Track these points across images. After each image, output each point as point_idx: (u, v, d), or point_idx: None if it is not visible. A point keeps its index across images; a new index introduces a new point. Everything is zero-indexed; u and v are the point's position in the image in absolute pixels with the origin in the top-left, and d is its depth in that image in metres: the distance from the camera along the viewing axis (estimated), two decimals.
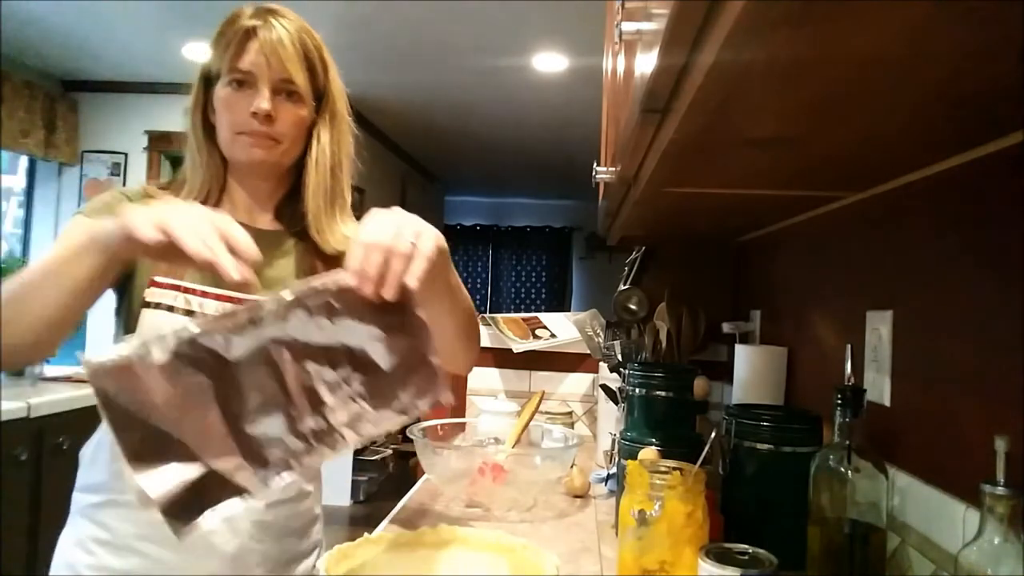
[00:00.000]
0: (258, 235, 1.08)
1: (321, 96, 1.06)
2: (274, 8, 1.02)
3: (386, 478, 4.87)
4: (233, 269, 0.73)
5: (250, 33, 0.99)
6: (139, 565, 0.99)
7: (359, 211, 1.11)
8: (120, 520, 1.00)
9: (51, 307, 0.82)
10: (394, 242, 0.76)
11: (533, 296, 9.02)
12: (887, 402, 0.99)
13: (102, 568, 1.00)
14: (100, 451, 1.03)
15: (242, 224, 1.07)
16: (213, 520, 0.97)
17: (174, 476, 0.68)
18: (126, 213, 0.77)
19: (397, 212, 0.81)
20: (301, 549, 1.10)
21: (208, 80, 1.04)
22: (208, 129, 1.06)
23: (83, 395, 2.56)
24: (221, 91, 1.01)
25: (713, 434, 1.00)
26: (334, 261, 1.10)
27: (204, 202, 1.04)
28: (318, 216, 1.07)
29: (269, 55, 0.98)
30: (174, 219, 0.74)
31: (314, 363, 0.73)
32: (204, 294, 0.99)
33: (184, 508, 0.69)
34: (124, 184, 4.37)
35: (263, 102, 0.98)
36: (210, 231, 0.74)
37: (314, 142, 1.07)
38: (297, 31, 1.01)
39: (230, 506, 0.72)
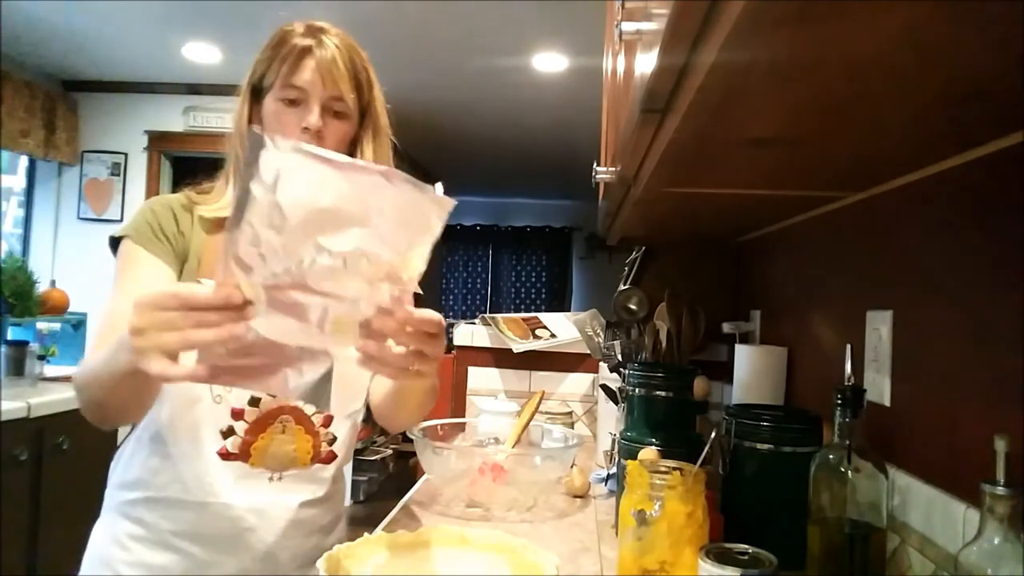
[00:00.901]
0: None
1: (365, 111, 1.09)
2: (323, 26, 1.05)
3: (386, 478, 4.87)
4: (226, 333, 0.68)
5: (305, 52, 1.02)
6: (175, 561, 1.02)
7: None
8: (157, 516, 1.02)
9: (111, 406, 0.90)
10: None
11: (533, 296, 9.01)
12: (887, 402, 0.99)
13: (138, 564, 1.02)
14: (138, 448, 1.05)
15: None
16: (249, 518, 1.01)
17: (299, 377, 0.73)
18: (123, 351, 0.75)
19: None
20: (327, 545, 1.11)
21: (255, 92, 1.07)
22: None
23: None
24: (272, 106, 1.04)
25: (713, 434, 1.00)
26: None
27: None
28: None
29: (324, 74, 1.02)
30: (162, 336, 0.68)
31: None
32: None
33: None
34: (123, 184, 4.37)
35: (314, 119, 1.02)
36: (181, 321, 0.68)
37: (358, 156, 1.10)
38: (347, 49, 1.04)
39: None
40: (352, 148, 1.09)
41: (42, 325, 3.52)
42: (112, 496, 1.07)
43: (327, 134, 1.03)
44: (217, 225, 1.06)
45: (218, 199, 1.08)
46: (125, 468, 1.06)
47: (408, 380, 0.80)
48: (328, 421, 1.08)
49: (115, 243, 1.06)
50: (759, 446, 1.05)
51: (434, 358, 0.78)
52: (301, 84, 1.02)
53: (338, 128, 1.05)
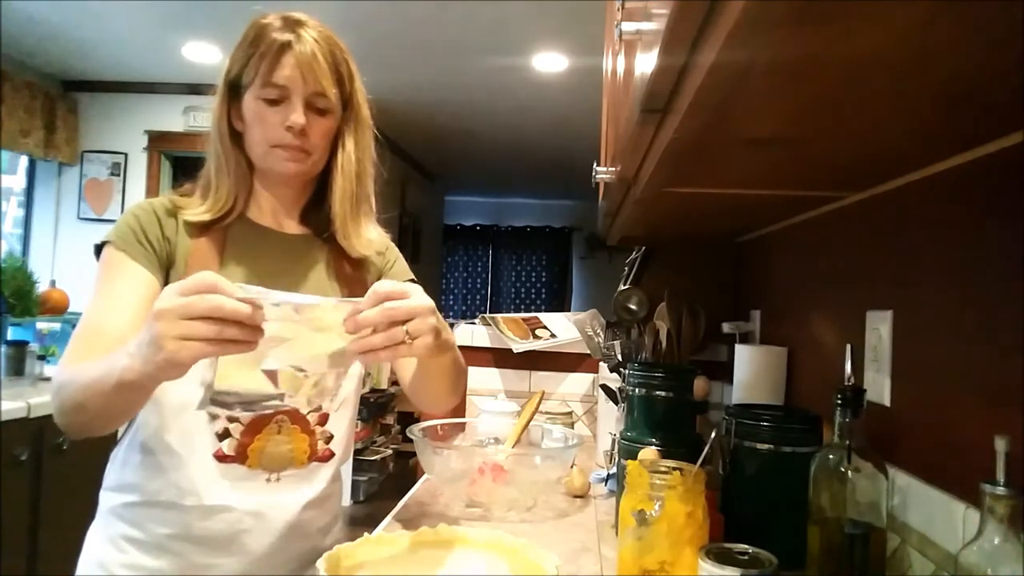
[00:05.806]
0: (286, 240, 1.11)
1: (346, 104, 1.08)
2: (301, 19, 1.02)
3: (386, 478, 4.87)
4: (243, 347, 0.75)
5: (284, 48, 0.99)
6: (171, 564, 1.01)
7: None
8: (153, 520, 1.01)
9: (101, 414, 0.88)
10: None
11: (533, 296, 9.02)
12: (887, 402, 0.99)
13: (135, 567, 1.01)
14: (132, 452, 1.04)
15: (269, 229, 1.10)
16: (247, 520, 1.01)
17: None
18: (142, 350, 0.75)
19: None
20: (324, 546, 1.11)
21: (233, 89, 1.04)
22: (235, 137, 1.06)
23: None
24: (253, 104, 1.02)
25: (713, 434, 1.00)
26: (361, 264, 1.15)
27: (232, 208, 1.06)
28: (345, 221, 1.10)
29: (304, 71, 0.99)
30: (189, 330, 0.72)
31: None
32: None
33: None
34: (123, 184, 4.38)
35: (298, 117, 1.00)
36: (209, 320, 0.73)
37: (339, 149, 1.09)
38: (326, 42, 1.02)
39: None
40: (334, 141, 1.08)
41: (42, 325, 3.52)
42: (107, 499, 1.06)
43: (311, 131, 1.02)
44: (201, 229, 1.04)
45: (200, 202, 1.05)
46: (119, 472, 1.05)
47: (408, 355, 0.84)
48: (324, 419, 1.08)
49: (99, 250, 1.03)
50: (759, 446, 1.05)
51: (425, 329, 0.82)
52: (282, 82, 0.99)
53: (321, 124, 1.03)
